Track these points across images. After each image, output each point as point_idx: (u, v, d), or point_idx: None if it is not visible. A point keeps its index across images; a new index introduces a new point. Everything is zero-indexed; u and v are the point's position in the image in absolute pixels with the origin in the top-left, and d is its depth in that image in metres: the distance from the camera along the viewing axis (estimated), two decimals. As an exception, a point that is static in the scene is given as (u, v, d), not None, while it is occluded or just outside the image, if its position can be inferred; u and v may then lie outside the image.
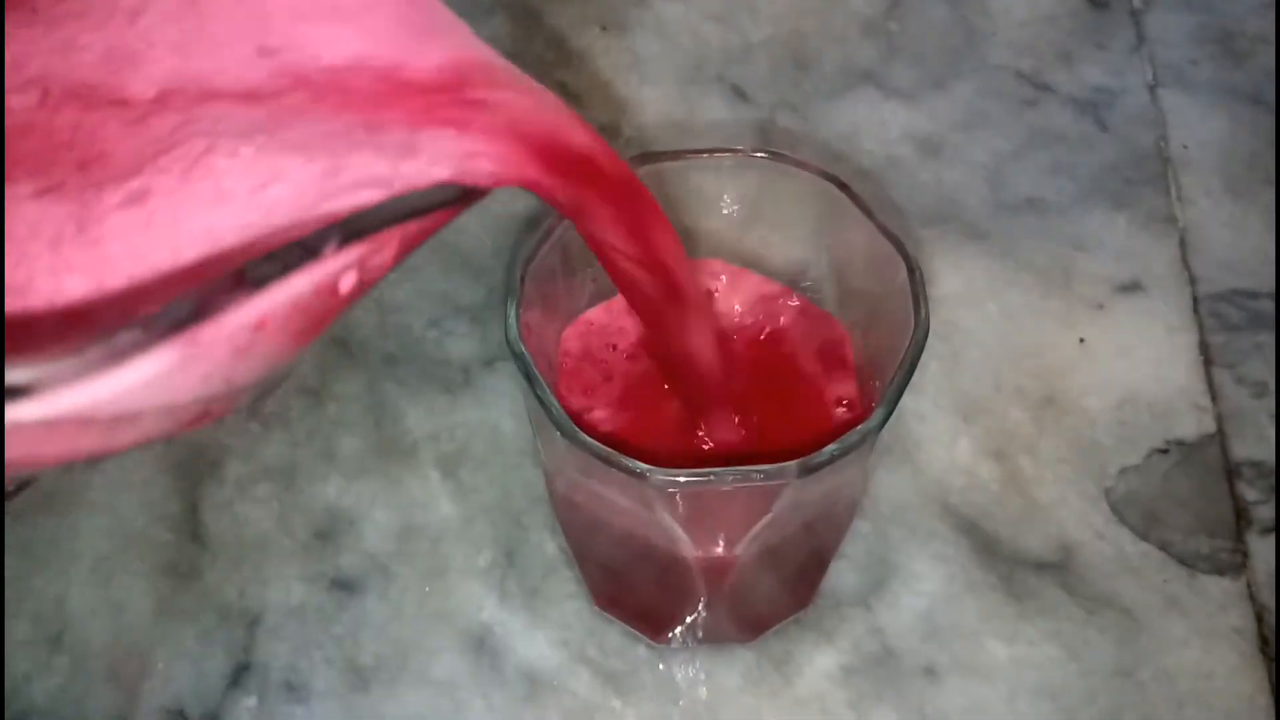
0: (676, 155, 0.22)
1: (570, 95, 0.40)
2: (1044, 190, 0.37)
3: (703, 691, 0.27)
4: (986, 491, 0.30)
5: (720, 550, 0.21)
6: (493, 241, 0.36)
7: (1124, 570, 0.29)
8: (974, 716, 0.27)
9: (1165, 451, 0.31)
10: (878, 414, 0.18)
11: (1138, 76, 0.40)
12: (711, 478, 0.18)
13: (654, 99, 0.40)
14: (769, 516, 0.19)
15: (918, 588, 0.28)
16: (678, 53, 0.42)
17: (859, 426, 0.18)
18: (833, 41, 0.42)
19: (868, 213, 0.21)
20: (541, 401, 0.19)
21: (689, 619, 0.25)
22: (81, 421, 0.10)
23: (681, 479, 0.18)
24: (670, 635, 0.27)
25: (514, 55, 0.45)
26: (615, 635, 0.28)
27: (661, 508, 0.19)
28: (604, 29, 0.43)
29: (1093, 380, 0.32)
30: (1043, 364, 0.33)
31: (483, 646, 0.28)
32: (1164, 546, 0.29)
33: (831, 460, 0.18)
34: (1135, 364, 0.33)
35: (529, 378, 0.19)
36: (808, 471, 0.18)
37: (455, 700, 0.27)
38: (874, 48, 0.42)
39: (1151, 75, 0.40)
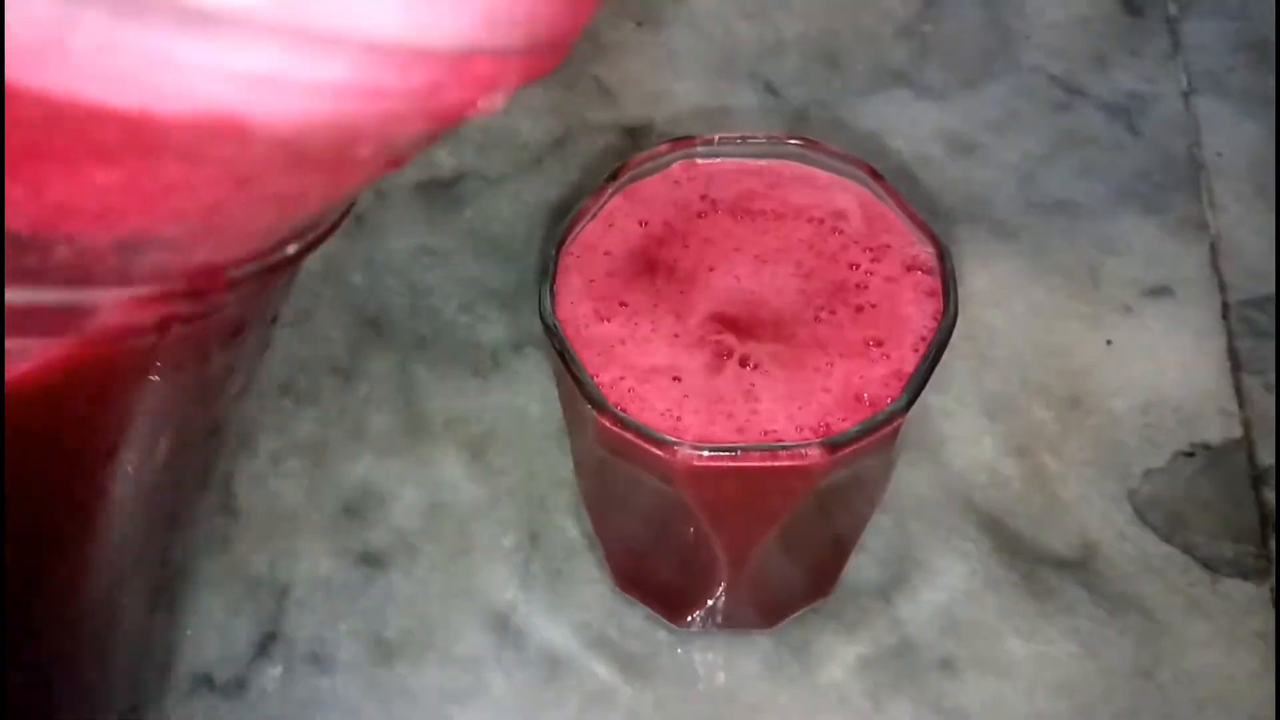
0: (710, 140, 0.23)
1: (604, 88, 0.41)
2: (1074, 193, 0.37)
3: (721, 677, 0.27)
4: (1009, 489, 0.30)
5: (743, 531, 0.21)
6: (524, 228, 0.36)
7: (1146, 571, 0.29)
8: (991, 712, 0.27)
9: (1191, 455, 0.31)
10: (904, 396, 0.19)
11: (1172, 83, 0.40)
12: (737, 452, 0.18)
13: (687, 93, 0.41)
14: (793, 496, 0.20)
15: (938, 582, 0.29)
16: (711, 48, 0.42)
17: (886, 408, 0.18)
18: (865, 40, 0.42)
19: (899, 200, 0.21)
20: (575, 376, 0.19)
21: (710, 603, 0.25)
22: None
23: (706, 452, 0.18)
24: (690, 619, 0.27)
25: (549, 48, 0.45)
26: (636, 619, 0.28)
27: (685, 482, 0.19)
28: (639, 24, 0.43)
29: (1119, 382, 0.32)
30: (1069, 364, 0.33)
31: (506, 626, 0.28)
32: (1187, 549, 0.29)
33: (857, 439, 0.18)
34: (1162, 367, 0.33)
35: (562, 353, 0.19)
36: (833, 449, 0.18)
37: (478, 678, 0.27)
38: (906, 48, 0.42)
39: (1186, 82, 0.40)
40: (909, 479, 0.30)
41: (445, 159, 0.38)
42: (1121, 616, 0.28)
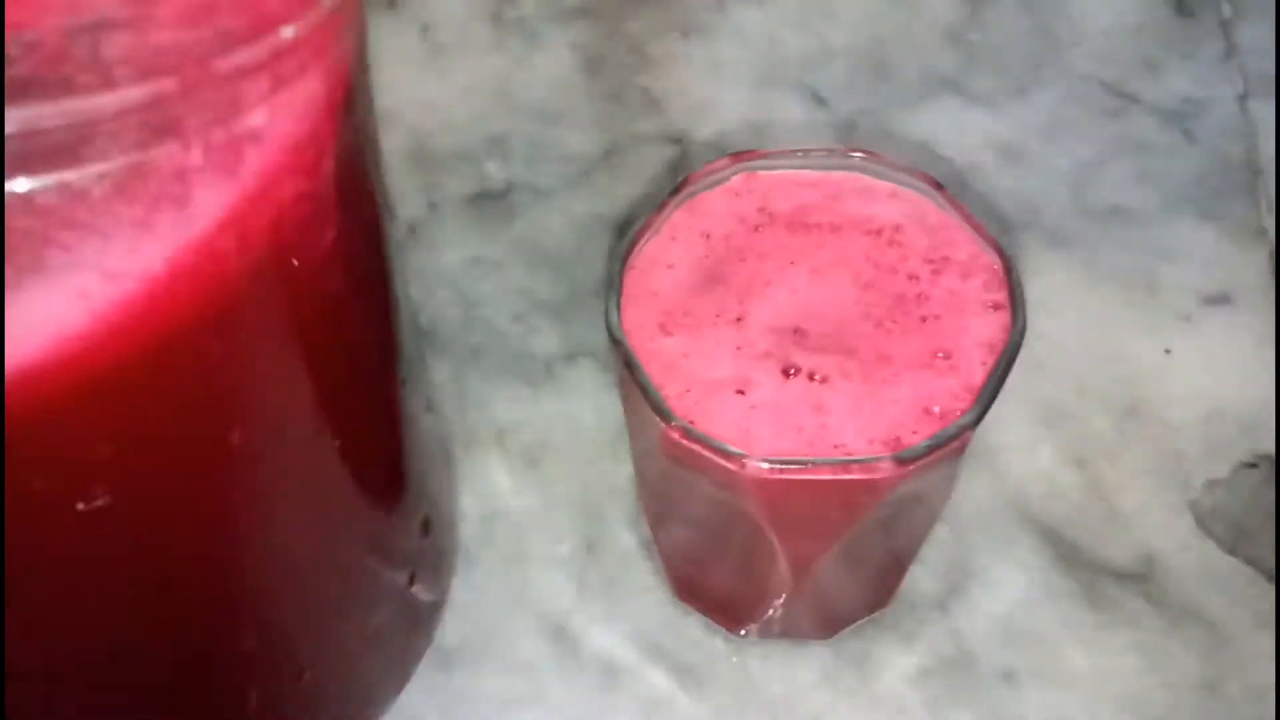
0: (770, 154, 0.23)
1: (651, 99, 0.41)
2: (1128, 199, 0.37)
3: (779, 687, 0.27)
4: (1067, 499, 0.30)
5: (808, 543, 0.21)
6: (575, 240, 0.37)
7: (1209, 584, 0.28)
8: (1053, 724, 0.26)
9: (1254, 466, 0.30)
10: (975, 408, 0.19)
11: (1227, 87, 0.40)
12: (808, 465, 0.18)
13: (733, 104, 0.41)
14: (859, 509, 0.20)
15: (997, 593, 0.28)
16: (757, 58, 0.42)
17: (957, 420, 0.18)
18: (913, 49, 0.42)
19: (963, 211, 0.21)
20: (642, 388, 0.19)
21: (769, 613, 0.26)
22: None
23: (777, 466, 0.18)
24: (749, 628, 0.27)
25: (595, 59, 0.46)
26: (693, 628, 0.28)
27: (753, 494, 0.19)
28: (684, 35, 0.43)
29: (1178, 391, 0.32)
30: (1127, 373, 0.32)
31: (562, 633, 0.28)
32: (1252, 562, 0.29)
33: (929, 452, 0.18)
34: (1222, 377, 0.32)
35: (630, 366, 0.19)
36: (904, 463, 0.18)
37: (536, 685, 0.27)
38: (955, 55, 0.42)
39: (1242, 86, 0.39)
40: (966, 489, 0.30)
41: (495, 171, 0.39)
42: (1185, 629, 0.28)
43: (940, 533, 0.29)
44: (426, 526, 0.24)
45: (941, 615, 0.28)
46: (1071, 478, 0.30)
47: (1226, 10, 0.42)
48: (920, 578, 0.29)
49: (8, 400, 0.13)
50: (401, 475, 0.22)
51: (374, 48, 0.18)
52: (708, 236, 0.22)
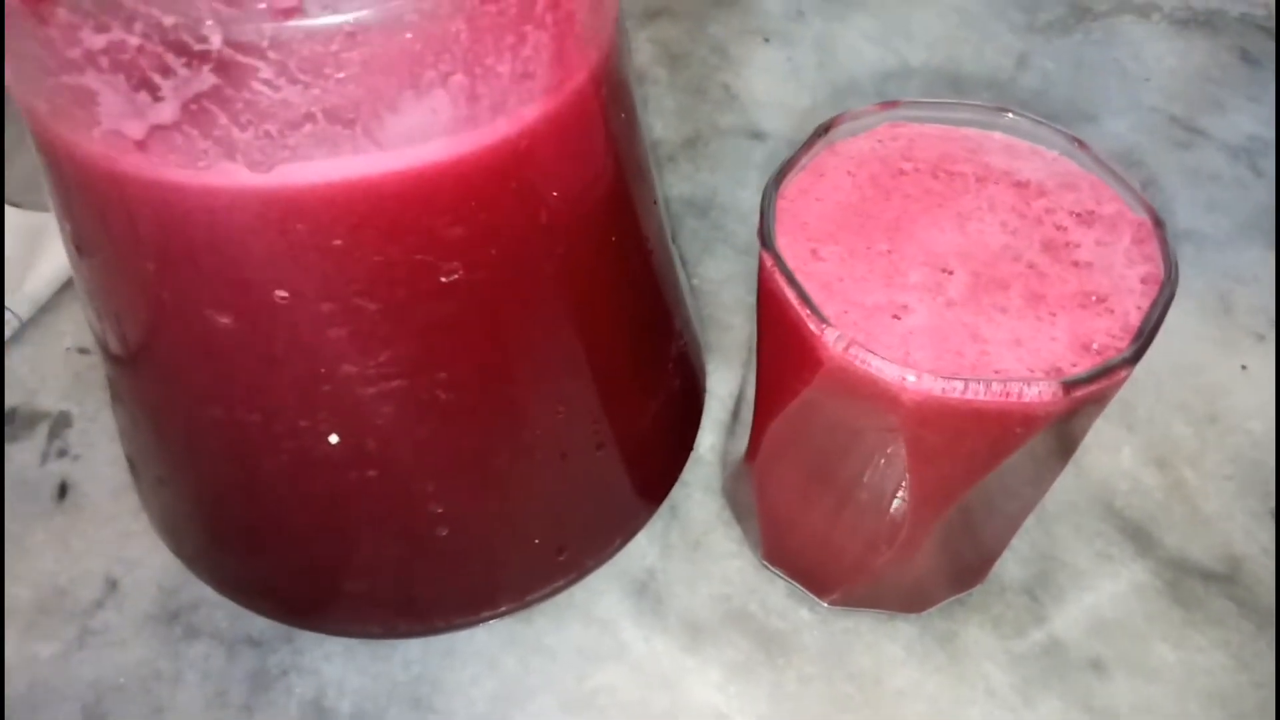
0: (916, 104, 0.23)
1: (731, 95, 0.42)
2: (1200, 224, 0.37)
3: (865, 660, 0.26)
4: (1151, 498, 0.30)
5: (945, 483, 0.21)
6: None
7: (1294, 589, 0.28)
8: (1143, 714, 0.26)
9: (1331, 481, 0.31)
10: (1134, 344, 0.19)
11: (1291, 129, 0.41)
12: (980, 385, 0.18)
13: (811, 108, 0.41)
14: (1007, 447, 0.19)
15: (1083, 583, 0.28)
16: (835, 67, 0.43)
17: (1120, 354, 0.18)
18: (987, 70, 0.43)
19: (1109, 169, 0.22)
20: (801, 297, 0.19)
21: (863, 578, 0.25)
22: None
23: (943, 384, 0.18)
24: (836, 596, 0.26)
25: (678, 56, 0.47)
26: (777, 595, 0.27)
27: (909, 417, 0.19)
28: (766, 40, 0.44)
29: (1256, 404, 0.32)
30: (1205, 384, 0.33)
31: (645, 591, 0.27)
32: (1334, 571, 0.29)
33: (1093, 380, 0.18)
34: (1297, 394, 0.33)
35: (785, 275, 0.19)
36: (1069, 389, 0.18)
37: (618, 640, 0.27)
38: (1028, 79, 0.43)
39: (1306, 129, 0.41)
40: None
41: (575, 151, 0.39)
42: (1270, 632, 0.27)
43: (1026, 522, 0.29)
44: (682, 336, 0.28)
45: (1029, 602, 0.28)
46: (1154, 478, 0.30)
47: (1288, 61, 0.43)
48: (1007, 564, 0.28)
49: (399, 190, 0.17)
50: (661, 288, 0.26)
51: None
52: (853, 175, 0.22)
